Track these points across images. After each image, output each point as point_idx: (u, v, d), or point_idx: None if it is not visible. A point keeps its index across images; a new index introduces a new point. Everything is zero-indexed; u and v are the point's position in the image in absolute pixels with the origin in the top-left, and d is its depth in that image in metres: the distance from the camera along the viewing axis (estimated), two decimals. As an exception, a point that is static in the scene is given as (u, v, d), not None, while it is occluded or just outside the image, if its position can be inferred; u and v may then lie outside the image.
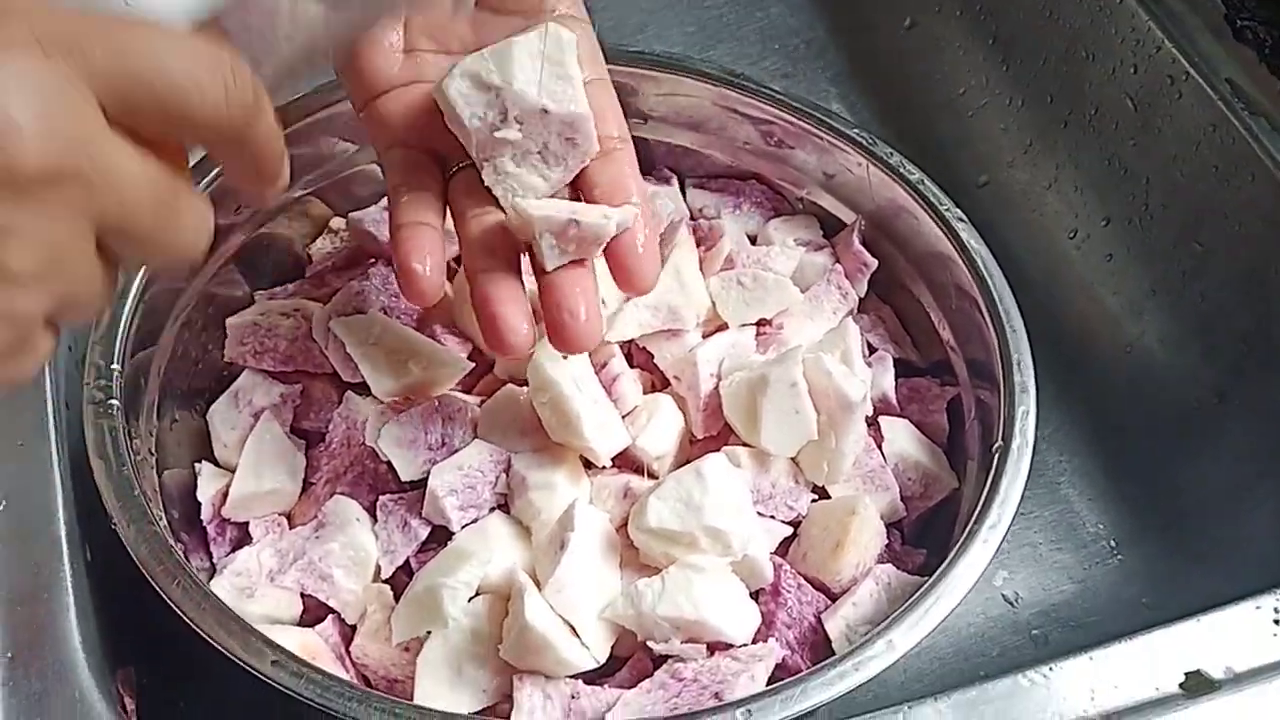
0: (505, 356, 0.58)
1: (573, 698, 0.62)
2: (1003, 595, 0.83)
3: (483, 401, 0.72)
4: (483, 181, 0.62)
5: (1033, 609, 0.82)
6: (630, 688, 0.63)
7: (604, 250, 0.60)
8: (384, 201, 0.82)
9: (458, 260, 0.79)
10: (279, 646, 0.58)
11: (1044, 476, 0.87)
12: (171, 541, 0.65)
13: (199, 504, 0.71)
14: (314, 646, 0.66)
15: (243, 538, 0.72)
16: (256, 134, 0.42)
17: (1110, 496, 0.87)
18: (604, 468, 0.68)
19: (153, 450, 0.70)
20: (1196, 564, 0.81)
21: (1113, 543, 0.85)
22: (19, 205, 0.35)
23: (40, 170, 0.35)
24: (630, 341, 0.74)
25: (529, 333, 0.59)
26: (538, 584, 0.64)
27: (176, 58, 0.38)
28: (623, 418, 0.70)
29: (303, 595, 0.69)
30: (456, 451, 0.69)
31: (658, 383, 0.75)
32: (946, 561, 0.62)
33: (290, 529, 0.71)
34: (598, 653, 0.63)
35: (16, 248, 0.35)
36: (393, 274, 0.77)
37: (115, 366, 0.66)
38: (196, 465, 0.73)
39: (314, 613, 0.69)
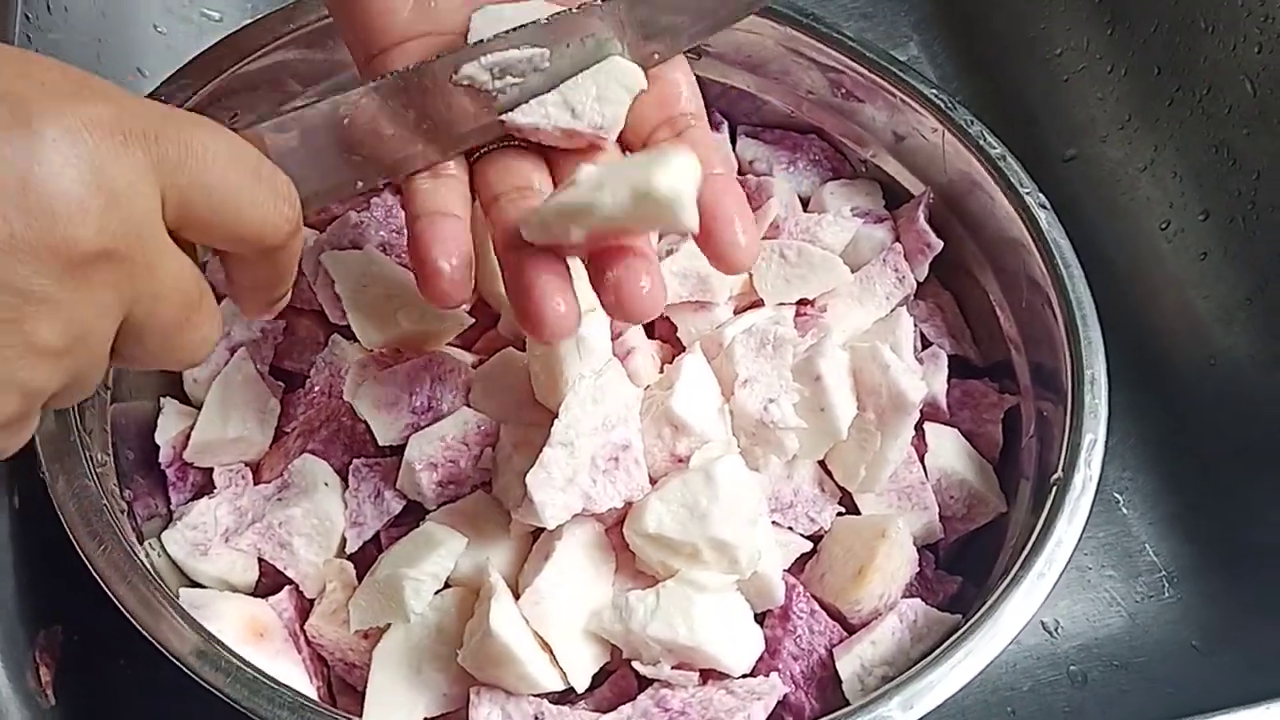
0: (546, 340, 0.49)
1: (536, 718, 0.54)
2: (1041, 622, 0.74)
3: (480, 362, 0.64)
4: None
5: (1073, 641, 0.74)
6: (608, 710, 0.55)
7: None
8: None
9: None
10: (208, 635, 0.51)
11: (1101, 492, 0.75)
12: (115, 489, 0.59)
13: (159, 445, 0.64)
14: (263, 621, 0.59)
15: (206, 483, 0.65)
16: (286, 254, 0.43)
17: (1173, 523, 0.78)
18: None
19: (108, 384, 0.62)
20: (1262, 615, 0.73)
21: (1170, 575, 0.77)
22: (64, 280, 0.35)
23: (95, 250, 0.35)
24: (652, 310, 0.66)
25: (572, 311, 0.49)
26: (516, 585, 0.56)
27: (243, 173, 0.39)
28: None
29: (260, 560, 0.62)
30: (443, 418, 0.61)
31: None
32: (983, 609, 0.54)
33: (255, 484, 0.64)
34: (578, 673, 0.55)
35: (50, 320, 0.35)
36: (399, 205, 0.70)
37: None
38: (162, 400, 0.66)
39: (275, 579, 0.62)
